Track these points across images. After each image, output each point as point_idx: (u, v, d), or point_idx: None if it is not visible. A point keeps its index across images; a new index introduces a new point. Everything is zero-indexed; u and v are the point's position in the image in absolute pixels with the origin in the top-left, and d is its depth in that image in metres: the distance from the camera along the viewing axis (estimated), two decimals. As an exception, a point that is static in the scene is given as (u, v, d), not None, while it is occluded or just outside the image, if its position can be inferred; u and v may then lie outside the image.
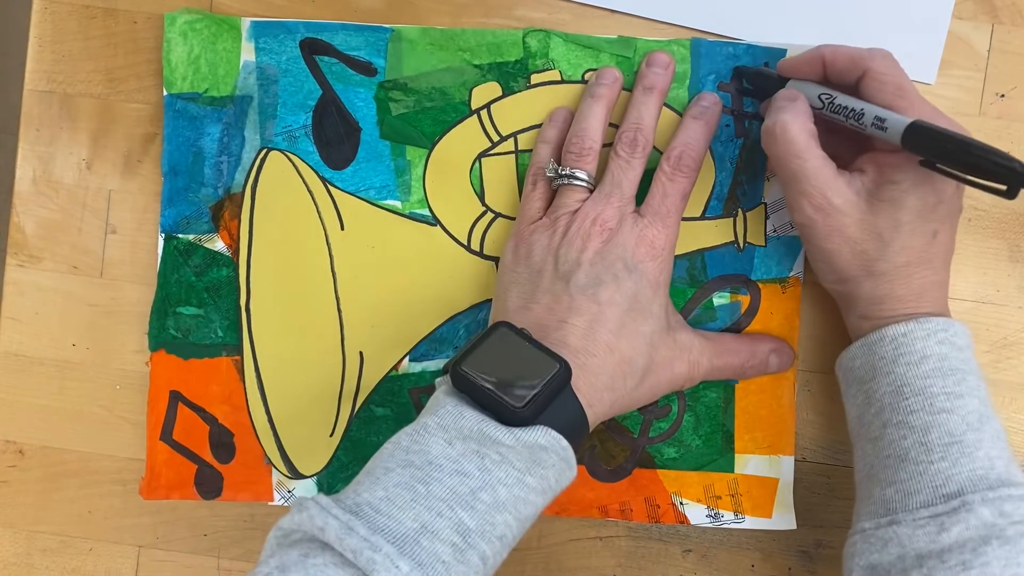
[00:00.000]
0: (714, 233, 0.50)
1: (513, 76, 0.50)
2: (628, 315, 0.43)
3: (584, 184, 0.46)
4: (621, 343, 0.43)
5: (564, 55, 0.50)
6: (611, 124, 0.49)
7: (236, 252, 0.51)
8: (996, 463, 0.40)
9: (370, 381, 0.51)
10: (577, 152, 0.47)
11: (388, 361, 0.51)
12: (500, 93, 0.50)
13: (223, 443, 0.51)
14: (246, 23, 0.51)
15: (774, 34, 0.49)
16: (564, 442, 0.39)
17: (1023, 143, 0.50)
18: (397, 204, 0.51)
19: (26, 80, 0.52)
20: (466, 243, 0.51)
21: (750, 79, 0.49)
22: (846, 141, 0.46)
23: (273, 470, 0.51)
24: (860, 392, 0.44)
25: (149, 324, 0.51)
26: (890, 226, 0.43)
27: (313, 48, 0.50)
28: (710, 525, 0.51)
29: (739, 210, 0.50)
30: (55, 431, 0.53)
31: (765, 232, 0.50)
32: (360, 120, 0.51)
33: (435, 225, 0.51)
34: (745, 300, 0.50)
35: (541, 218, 0.47)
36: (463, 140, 0.50)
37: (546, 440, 0.39)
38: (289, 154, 0.51)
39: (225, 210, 0.51)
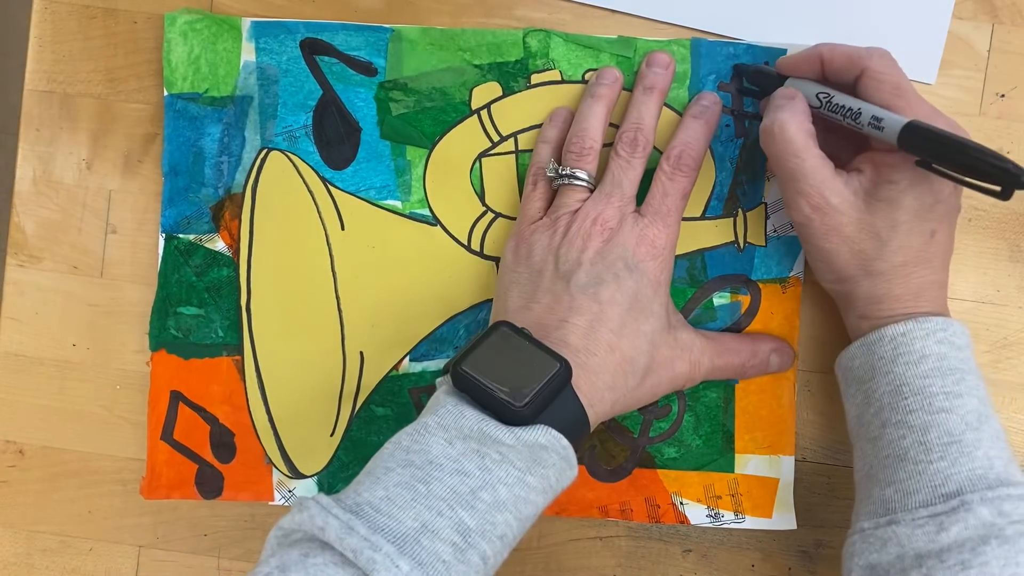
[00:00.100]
0: (714, 233, 0.50)
1: (513, 76, 0.50)
2: (629, 314, 0.43)
3: (584, 184, 0.46)
4: (622, 342, 0.43)
5: (564, 55, 0.50)
6: (611, 124, 0.49)
7: (236, 252, 0.51)
8: (995, 463, 0.40)
9: (370, 381, 0.51)
10: (577, 152, 0.47)
11: (388, 361, 0.51)
12: (500, 93, 0.50)
13: (223, 443, 0.51)
14: (246, 23, 0.51)
15: (774, 34, 0.50)
16: (565, 441, 0.39)
17: (1023, 143, 0.50)
18: (397, 204, 0.51)
19: (26, 80, 0.52)
20: (466, 243, 0.51)
21: (749, 77, 0.49)
22: (844, 140, 0.47)
23: (273, 470, 0.51)
24: (859, 392, 0.44)
25: (150, 324, 0.51)
26: (887, 225, 0.43)
27: (313, 48, 0.50)
28: (710, 525, 0.51)
29: (739, 210, 0.50)
30: (55, 431, 0.53)
31: (765, 232, 0.50)
32: (360, 120, 0.51)
33: (435, 225, 0.51)
34: (745, 300, 0.50)
35: (541, 218, 0.47)
36: (463, 140, 0.50)
37: (547, 439, 0.39)
38: (289, 154, 0.51)
39: (225, 210, 0.51)
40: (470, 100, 0.50)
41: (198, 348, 0.51)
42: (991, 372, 0.50)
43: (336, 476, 0.51)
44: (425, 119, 0.50)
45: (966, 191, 0.43)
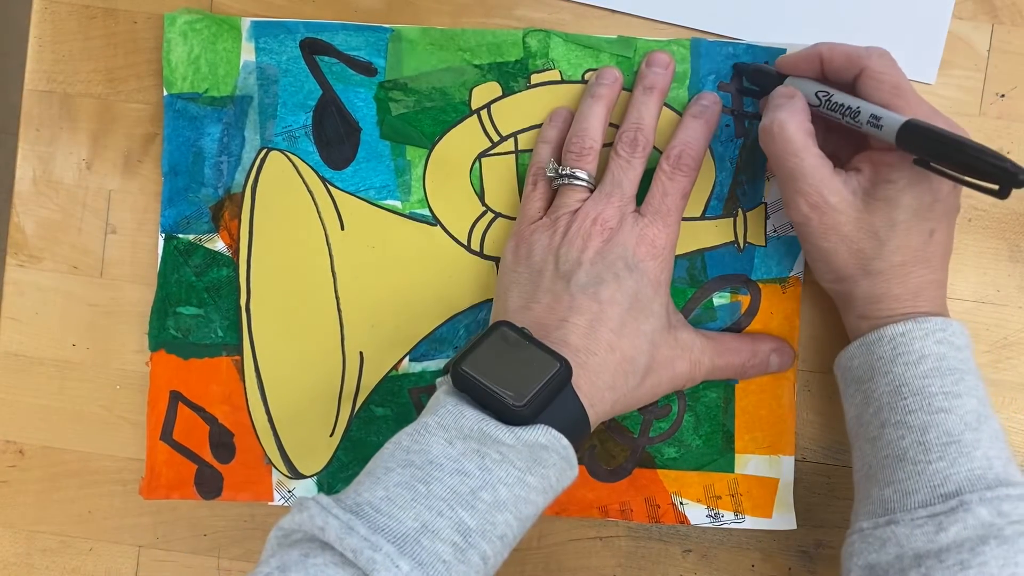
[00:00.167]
0: (714, 233, 0.50)
1: (513, 76, 0.50)
2: (629, 314, 0.43)
3: (584, 184, 0.46)
4: (622, 342, 0.43)
5: (564, 55, 0.50)
6: (611, 124, 0.49)
7: (236, 252, 0.51)
8: (994, 463, 0.40)
9: (370, 381, 0.51)
10: (577, 152, 0.47)
11: (388, 361, 0.51)
12: (500, 93, 0.50)
13: (223, 443, 0.51)
14: (246, 23, 0.51)
15: (774, 34, 0.50)
16: (565, 441, 0.39)
17: (1023, 143, 0.50)
18: (397, 204, 0.51)
19: (26, 80, 0.52)
20: (466, 243, 0.51)
21: (749, 76, 0.49)
22: (844, 140, 0.47)
23: (273, 470, 0.51)
24: (858, 392, 0.44)
25: (149, 324, 0.51)
26: (886, 225, 0.43)
27: (313, 48, 0.50)
28: (710, 525, 0.51)
29: (739, 210, 0.50)
30: (55, 431, 0.53)
31: (765, 232, 0.50)
32: (360, 120, 0.51)
33: (435, 225, 0.51)
34: (745, 300, 0.50)
35: (541, 218, 0.47)
36: (463, 140, 0.50)
37: (547, 439, 0.39)
38: (289, 154, 0.51)
39: (225, 210, 0.51)
40: (470, 100, 0.50)
41: (198, 348, 0.51)
42: (991, 372, 0.50)
43: (336, 476, 0.51)
44: (425, 119, 0.50)
45: (965, 190, 0.43)
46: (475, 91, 0.50)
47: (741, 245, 0.50)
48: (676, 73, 0.49)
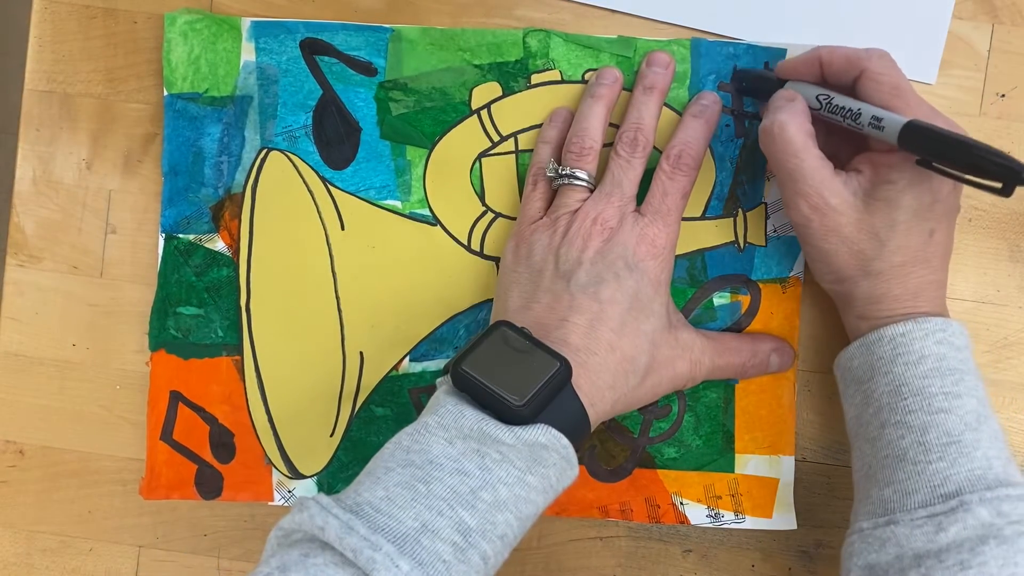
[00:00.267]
0: (714, 233, 0.50)
1: (513, 76, 0.50)
2: (629, 313, 0.43)
3: (584, 184, 0.46)
4: (623, 341, 0.43)
5: (564, 55, 0.50)
6: (611, 124, 0.49)
7: (236, 252, 0.51)
8: (994, 463, 0.40)
9: (370, 381, 0.51)
10: (577, 152, 0.47)
11: (388, 361, 0.51)
12: (500, 93, 0.50)
13: (223, 443, 0.51)
14: (246, 23, 0.51)
15: (774, 34, 0.50)
16: (565, 440, 0.39)
17: (1023, 143, 0.50)
18: (397, 204, 0.51)
19: (26, 80, 0.52)
20: (466, 243, 0.51)
21: (749, 82, 0.49)
22: (844, 142, 0.47)
23: (273, 470, 0.51)
24: (858, 392, 0.44)
25: (149, 324, 0.51)
26: (886, 225, 0.43)
27: (313, 48, 0.50)
28: (710, 525, 0.51)
29: (739, 210, 0.50)
30: (55, 431, 0.53)
31: (765, 232, 0.50)
32: (360, 120, 0.51)
33: (435, 225, 0.51)
34: (745, 300, 0.50)
35: (542, 218, 0.47)
36: (463, 140, 0.50)
37: (547, 439, 0.39)
38: (289, 154, 0.51)
39: (225, 210, 0.51)
40: (470, 100, 0.50)
41: (198, 348, 0.51)
42: (991, 372, 0.50)
43: (336, 476, 0.51)
44: (425, 119, 0.51)
45: (966, 190, 0.43)
46: (475, 91, 0.50)
47: (741, 245, 0.50)
48: (676, 73, 0.49)
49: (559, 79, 0.50)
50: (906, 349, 0.42)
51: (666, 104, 0.49)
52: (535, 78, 0.50)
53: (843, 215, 0.43)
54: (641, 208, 0.46)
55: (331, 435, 0.51)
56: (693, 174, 0.47)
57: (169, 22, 0.51)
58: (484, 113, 0.50)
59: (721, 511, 0.50)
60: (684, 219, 0.49)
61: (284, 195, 0.51)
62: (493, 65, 0.50)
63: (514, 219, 0.50)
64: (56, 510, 0.53)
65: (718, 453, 0.50)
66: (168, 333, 0.51)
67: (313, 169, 0.51)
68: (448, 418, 0.39)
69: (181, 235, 0.51)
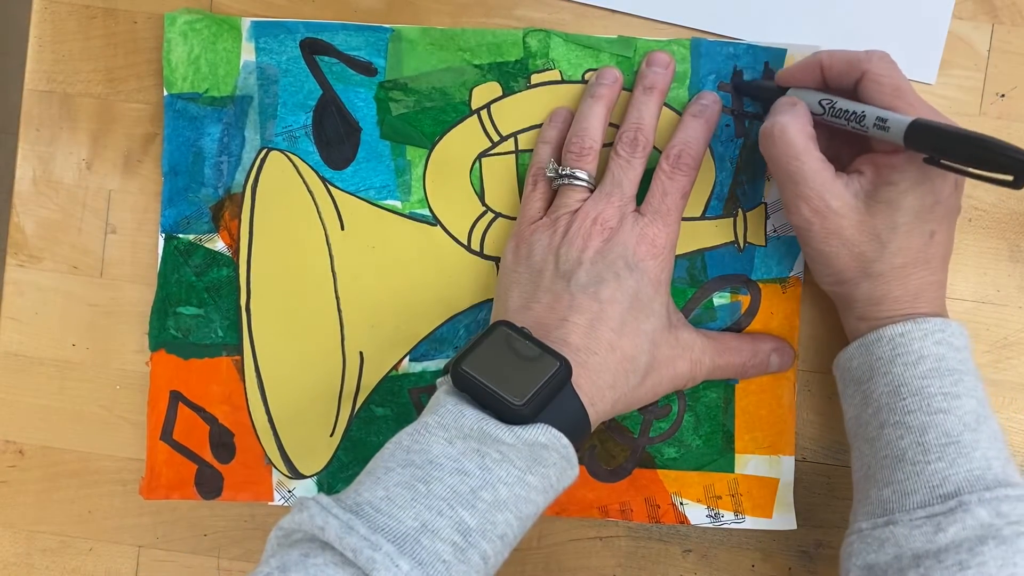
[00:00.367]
0: (714, 233, 0.50)
1: (513, 76, 0.50)
2: (630, 313, 0.43)
3: (584, 184, 0.46)
4: (623, 341, 0.43)
5: (564, 55, 0.50)
6: (611, 124, 0.49)
7: (236, 252, 0.51)
8: (993, 463, 0.40)
9: (370, 381, 0.51)
10: (577, 152, 0.47)
11: (388, 361, 0.51)
12: (500, 93, 0.50)
13: (223, 443, 0.51)
14: (246, 23, 0.51)
15: (774, 34, 0.50)
16: (565, 440, 0.39)
17: (1023, 143, 0.50)
18: (397, 204, 0.51)
19: (26, 80, 0.52)
20: (466, 243, 0.51)
21: (750, 92, 0.49)
22: (845, 145, 0.47)
23: (273, 470, 0.51)
24: (858, 392, 0.44)
25: (149, 324, 0.51)
26: (888, 227, 0.43)
27: (313, 48, 0.50)
28: (710, 525, 0.51)
29: (739, 210, 0.50)
30: (55, 431, 0.53)
31: (765, 232, 0.50)
32: (360, 120, 0.51)
33: (435, 225, 0.51)
34: (745, 300, 0.50)
35: (542, 218, 0.47)
36: (463, 140, 0.50)
37: (547, 438, 0.39)
38: (289, 154, 0.51)
39: (225, 210, 0.51)
40: (470, 100, 0.50)
41: (198, 348, 0.51)
42: (991, 372, 0.50)
43: (336, 476, 0.51)
44: (425, 119, 0.51)
45: (966, 190, 0.43)
46: (475, 91, 0.50)
47: (741, 245, 0.50)
48: (676, 73, 0.49)
49: (559, 79, 0.50)
50: (905, 349, 0.42)
51: (666, 104, 0.49)
52: (535, 78, 0.50)
53: (844, 217, 0.43)
54: (641, 208, 0.46)
55: (331, 435, 0.51)
56: (693, 174, 0.47)
57: (169, 22, 0.51)
58: (484, 113, 0.50)
59: (721, 511, 0.50)
60: (684, 219, 0.49)
61: (284, 195, 0.51)
62: (493, 65, 0.50)
63: (514, 219, 0.50)
64: (56, 510, 0.53)
65: (718, 453, 0.50)
66: (168, 333, 0.51)
67: (313, 169, 0.51)
68: (448, 418, 0.39)
69: (181, 235, 0.51)
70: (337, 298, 0.51)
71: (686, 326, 0.47)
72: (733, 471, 0.50)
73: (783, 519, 0.50)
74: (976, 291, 0.50)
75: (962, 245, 0.50)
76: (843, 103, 0.44)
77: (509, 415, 0.39)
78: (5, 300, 0.53)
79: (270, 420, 0.51)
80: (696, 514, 0.51)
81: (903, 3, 0.49)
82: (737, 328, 0.50)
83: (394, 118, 0.51)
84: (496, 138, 0.50)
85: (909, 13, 0.49)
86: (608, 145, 0.48)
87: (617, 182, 0.46)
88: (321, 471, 0.51)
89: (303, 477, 0.51)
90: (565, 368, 0.40)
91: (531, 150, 0.50)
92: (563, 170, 0.47)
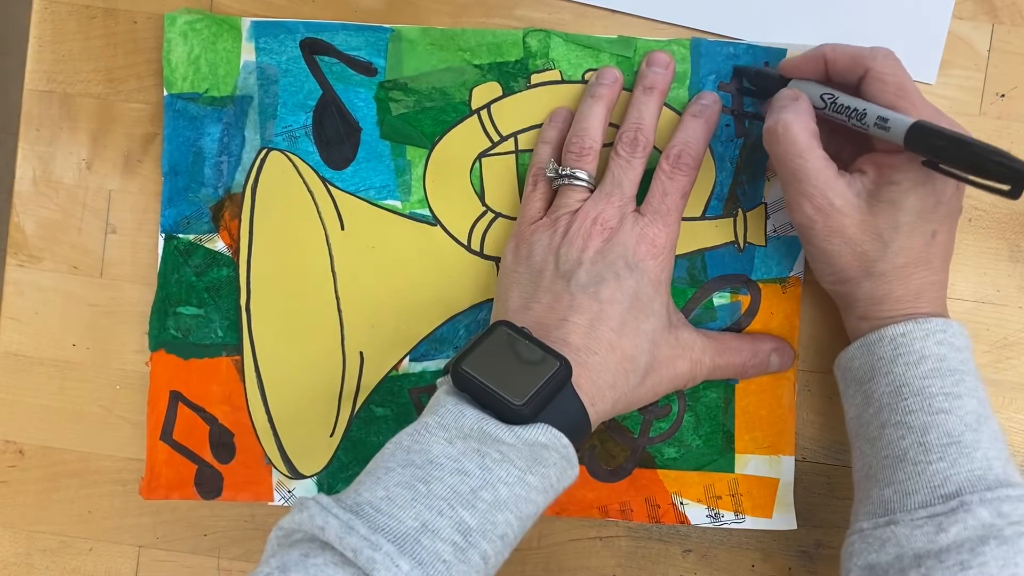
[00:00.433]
0: (714, 233, 0.50)
1: (513, 76, 0.50)
2: (630, 313, 0.43)
3: (584, 184, 0.46)
4: (623, 341, 0.43)
5: (564, 55, 0.50)
6: (611, 124, 0.49)
7: (236, 252, 0.51)
8: (994, 464, 0.40)
9: (370, 381, 0.51)
10: (577, 152, 0.47)
11: (388, 361, 0.51)
12: (500, 93, 0.50)
13: (223, 443, 0.51)
14: (246, 23, 0.51)
15: (774, 34, 0.50)
16: (565, 440, 0.39)
17: (1023, 143, 0.50)
18: (397, 204, 0.51)
19: (26, 80, 0.52)
20: (466, 243, 0.51)
21: (751, 79, 0.49)
22: (847, 142, 0.47)
23: (273, 470, 0.51)
24: (859, 392, 0.44)
25: (149, 324, 0.51)
26: (890, 227, 0.43)
27: (313, 48, 0.50)
28: (710, 525, 0.51)
29: (739, 210, 0.50)
30: (55, 431, 0.53)
31: (765, 232, 0.50)
32: (360, 120, 0.51)
33: (435, 225, 0.51)
34: (745, 300, 0.50)
35: (542, 218, 0.47)
36: (463, 140, 0.50)
37: (547, 438, 0.39)
38: (289, 154, 0.51)
39: (225, 210, 0.51)
40: (470, 100, 0.50)
41: (198, 348, 0.51)
42: (991, 372, 0.50)
43: (336, 476, 0.51)
44: (425, 119, 0.51)
45: (968, 191, 0.43)
46: (475, 91, 0.50)
47: (741, 245, 0.50)
48: (676, 73, 0.49)
49: (559, 79, 0.50)
50: (907, 349, 0.42)
51: (666, 104, 0.49)
52: (535, 78, 0.50)
53: (847, 216, 0.43)
54: (641, 208, 0.46)
55: (331, 435, 0.51)
56: (693, 174, 0.47)
57: (169, 22, 0.51)
58: (484, 113, 0.50)
59: (721, 511, 0.50)
60: (684, 219, 0.49)
61: (284, 195, 0.51)
62: (493, 65, 0.50)
63: (514, 219, 0.50)
64: (56, 510, 0.53)
65: (718, 453, 0.50)
66: (168, 333, 0.51)
67: (313, 169, 0.51)
68: (448, 418, 0.39)
69: (181, 235, 0.51)
70: (337, 298, 0.51)
71: (686, 326, 0.47)
72: (733, 471, 0.50)
73: (783, 519, 0.50)
74: (976, 291, 0.50)
75: (962, 245, 0.50)
76: (845, 99, 0.44)
77: (509, 415, 0.39)
78: (5, 300, 0.53)
79: (270, 420, 0.51)
80: (696, 514, 0.51)
81: (903, 3, 0.49)
82: (737, 328, 0.50)
83: (394, 118, 0.51)
84: (496, 138, 0.50)
85: (909, 13, 0.49)
86: (608, 145, 0.48)
87: (617, 182, 0.46)
88: (321, 471, 0.51)
89: (303, 477, 0.51)
90: (565, 368, 0.40)
91: (531, 150, 0.50)
92: (563, 170, 0.47)
